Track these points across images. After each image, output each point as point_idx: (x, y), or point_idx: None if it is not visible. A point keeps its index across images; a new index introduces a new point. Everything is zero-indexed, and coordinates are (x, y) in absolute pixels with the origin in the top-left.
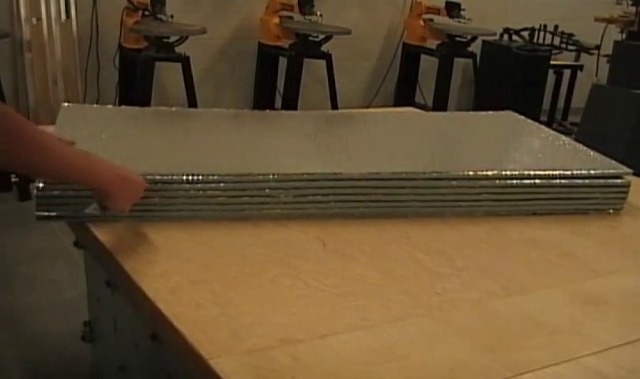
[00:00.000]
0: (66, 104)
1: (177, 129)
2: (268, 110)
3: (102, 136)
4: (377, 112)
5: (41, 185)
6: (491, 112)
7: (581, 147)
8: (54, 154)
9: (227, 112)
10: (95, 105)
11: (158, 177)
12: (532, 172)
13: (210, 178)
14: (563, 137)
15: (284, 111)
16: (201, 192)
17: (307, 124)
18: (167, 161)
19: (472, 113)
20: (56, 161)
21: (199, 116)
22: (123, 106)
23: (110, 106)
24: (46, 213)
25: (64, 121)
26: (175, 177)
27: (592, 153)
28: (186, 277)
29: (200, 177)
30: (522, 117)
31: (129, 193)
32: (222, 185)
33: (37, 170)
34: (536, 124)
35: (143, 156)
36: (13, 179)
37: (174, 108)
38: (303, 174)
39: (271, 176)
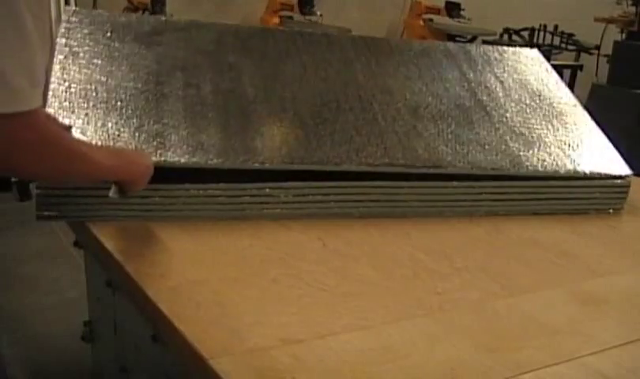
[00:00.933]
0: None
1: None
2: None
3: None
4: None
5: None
6: (517, 49)
7: (596, 132)
8: (94, 166)
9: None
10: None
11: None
12: (532, 170)
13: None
14: (582, 113)
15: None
16: (201, 191)
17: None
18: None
19: (497, 49)
20: (95, 172)
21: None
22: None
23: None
24: (46, 213)
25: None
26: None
27: (606, 143)
28: (187, 277)
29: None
30: (549, 67)
31: (145, 177)
32: (222, 184)
33: (76, 179)
34: (560, 83)
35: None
36: (13, 179)
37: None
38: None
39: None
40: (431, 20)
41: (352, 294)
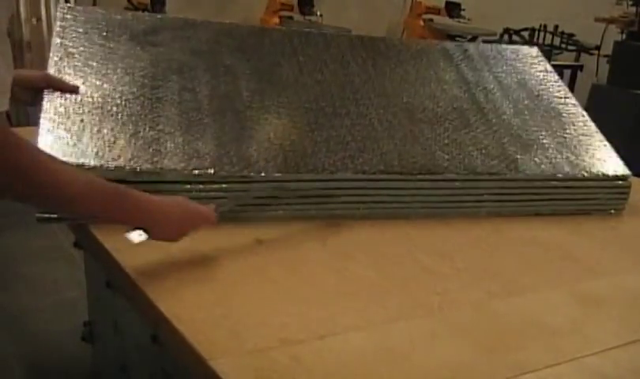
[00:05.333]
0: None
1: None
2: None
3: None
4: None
5: None
6: (516, 47)
7: (595, 133)
8: (88, 200)
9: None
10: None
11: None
12: (533, 172)
13: (212, 178)
14: (581, 113)
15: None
16: (203, 193)
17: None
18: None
19: (495, 48)
20: (91, 207)
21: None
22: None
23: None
24: (47, 216)
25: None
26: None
27: (605, 144)
28: (186, 277)
29: (203, 175)
30: (548, 66)
31: (178, 228)
32: (223, 185)
33: (40, 201)
34: (559, 83)
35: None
36: None
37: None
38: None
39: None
40: (431, 20)
41: (352, 295)
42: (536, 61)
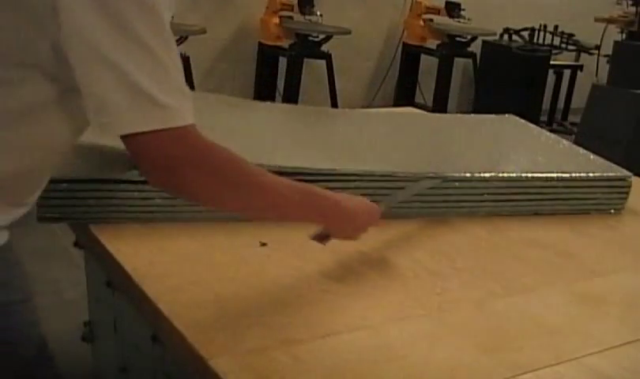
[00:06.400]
0: None
1: None
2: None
3: None
4: (378, 111)
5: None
6: (492, 115)
7: (581, 150)
8: (276, 196)
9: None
10: None
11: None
12: (533, 174)
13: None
14: (564, 141)
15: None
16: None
17: (305, 119)
18: None
19: (472, 115)
20: (277, 202)
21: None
22: None
23: None
24: (47, 215)
25: None
26: None
27: (591, 157)
28: (186, 277)
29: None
30: (523, 120)
31: (354, 225)
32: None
33: (257, 212)
34: (537, 128)
35: None
36: None
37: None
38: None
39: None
40: (431, 20)
41: (352, 294)
42: (514, 121)
